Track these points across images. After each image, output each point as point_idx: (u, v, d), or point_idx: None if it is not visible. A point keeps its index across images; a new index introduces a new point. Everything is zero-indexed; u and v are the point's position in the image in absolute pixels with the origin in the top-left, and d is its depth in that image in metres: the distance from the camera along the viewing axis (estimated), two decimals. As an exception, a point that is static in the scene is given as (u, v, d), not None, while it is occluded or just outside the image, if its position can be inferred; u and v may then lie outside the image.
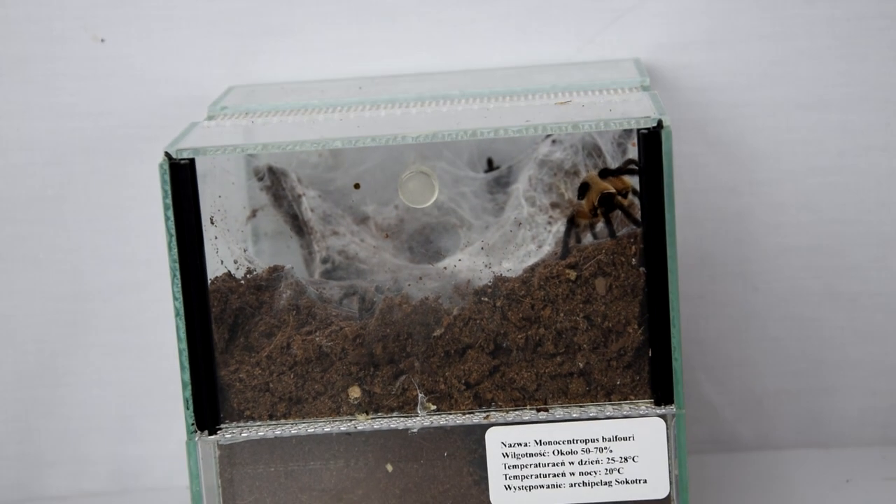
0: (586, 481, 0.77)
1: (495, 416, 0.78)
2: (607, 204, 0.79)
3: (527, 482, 0.78)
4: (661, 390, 0.77)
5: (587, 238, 0.81)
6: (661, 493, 0.77)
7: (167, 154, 0.76)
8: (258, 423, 0.79)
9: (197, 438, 0.78)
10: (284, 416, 0.79)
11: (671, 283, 0.76)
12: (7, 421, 0.97)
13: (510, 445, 0.78)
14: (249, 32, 0.92)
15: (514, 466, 0.78)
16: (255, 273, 0.81)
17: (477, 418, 0.78)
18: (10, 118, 0.93)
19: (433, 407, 0.79)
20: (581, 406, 0.78)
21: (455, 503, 0.78)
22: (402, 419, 0.78)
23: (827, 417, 0.96)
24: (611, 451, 0.77)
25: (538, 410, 0.78)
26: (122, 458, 0.97)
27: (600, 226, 0.81)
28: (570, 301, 0.78)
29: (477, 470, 0.79)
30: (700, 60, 0.92)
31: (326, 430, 0.78)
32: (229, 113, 0.85)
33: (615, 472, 0.77)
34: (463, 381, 0.79)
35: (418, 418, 0.78)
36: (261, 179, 0.87)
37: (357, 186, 0.86)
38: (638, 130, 0.75)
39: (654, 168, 0.75)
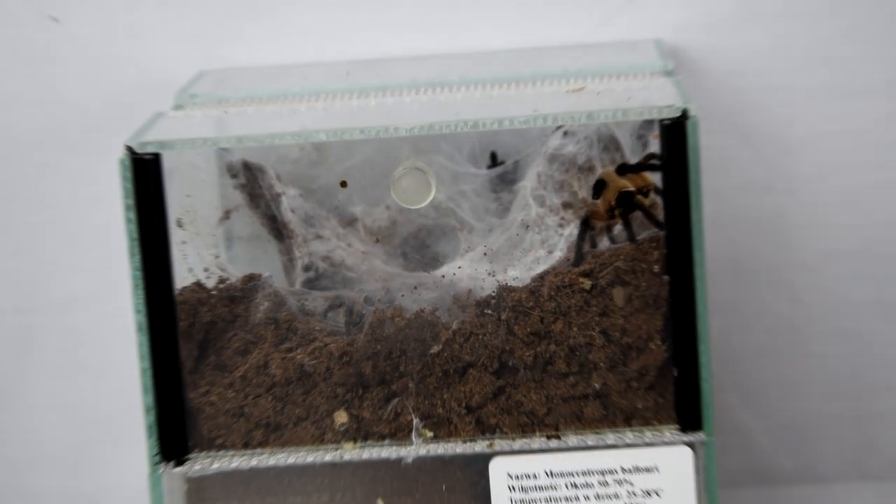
0: (603, 517, 0.79)
1: (500, 443, 0.80)
2: (626, 204, 0.81)
3: (536, 518, 0.80)
4: (687, 415, 0.79)
5: (603, 242, 0.82)
6: (688, 530, 0.79)
7: (129, 148, 0.78)
8: (231, 453, 0.81)
9: (161, 470, 0.80)
10: (261, 445, 0.81)
11: (699, 292, 0.78)
12: (-56, 451, 0.98)
13: (517, 477, 0.80)
14: (222, 11, 0.94)
15: (522, 501, 0.79)
16: (228, 282, 0.83)
17: (479, 446, 0.80)
18: (-50, 107, 0.95)
19: (430, 434, 0.80)
20: (597, 433, 0.80)
21: (455, 542, 0.80)
22: (394, 448, 0.80)
23: (878, 446, 0.98)
24: (631, 485, 0.79)
25: (549, 438, 0.80)
26: (77, 492, 0.99)
27: (618, 228, 0.82)
28: (585, 314, 0.80)
29: (479, 504, 0.80)
30: (730, 41, 0.93)
31: (309, 460, 0.80)
32: (199, 101, 0.87)
33: (635, 507, 0.79)
34: (463, 405, 0.81)
35: (413, 447, 0.80)
36: (234, 177, 0.88)
37: (344, 184, 0.87)
38: (660, 121, 0.77)
39: (679, 163, 0.77)
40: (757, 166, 0.95)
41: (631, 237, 0.80)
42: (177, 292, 0.80)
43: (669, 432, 0.79)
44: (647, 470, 0.79)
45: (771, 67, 0.93)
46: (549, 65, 0.88)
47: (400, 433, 0.81)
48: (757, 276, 0.96)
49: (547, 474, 0.79)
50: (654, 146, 0.84)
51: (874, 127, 0.94)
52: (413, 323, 0.80)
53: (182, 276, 0.81)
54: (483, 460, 0.80)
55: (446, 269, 0.84)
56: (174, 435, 0.80)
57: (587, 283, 0.80)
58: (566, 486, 0.79)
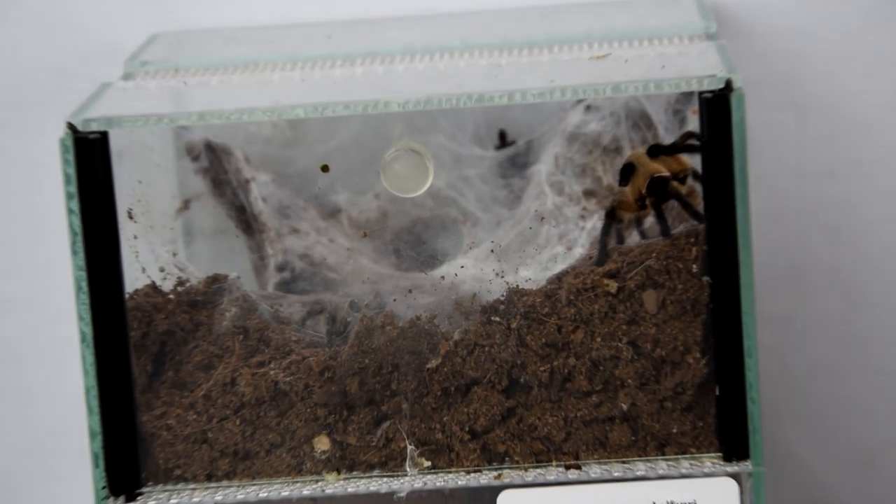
0: (632, 562, 0.81)
1: (510, 475, 0.81)
2: (659, 191, 0.81)
3: (552, 564, 0.81)
4: (732, 441, 0.80)
5: (632, 237, 0.83)
6: (732, 577, 0.80)
7: (71, 126, 0.78)
8: (192, 486, 0.82)
9: (110, 507, 0.81)
10: (228, 477, 0.82)
11: (745, 296, 0.78)
12: None
13: (530, 515, 0.81)
14: (180, -38, 0.95)
15: (536, 543, 0.81)
16: (188, 285, 0.84)
17: (486, 478, 0.81)
18: None
19: (427, 463, 0.82)
20: (625, 462, 0.81)
21: (456, 592, 0.81)
22: (385, 480, 0.81)
23: (961, 480, 0.99)
24: (666, 524, 0.80)
25: (567, 468, 0.81)
26: (8, 534, 1.00)
27: (650, 221, 0.83)
28: (610, 321, 0.81)
29: (486, 548, 0.82)
30: (784, -2, 0.94)
31: (284, 494, 0.81)
32: (153, 70, 0.88)
33: (670, 550, 0.81)
34: (467, 429, 0.82)
35: (407, 478, 0.81)
36: (195, 159, 0.89)
37: (325, 169, 0.87)
38: (700, 93, 0.77)
39: (722, 143, 0.77)
40: (816, 147, 0.96)
41: (665, 231, 0.81)
42: (127, 296, 0.81)
43: (710, 462, 0.80)
44: (685, 506, 0.80)
45: (834, 29, 0.94)
46: (569, 26, 0.89)
47: (392, 462, 0.82)
48: (816, 278, 0.97)
49: (565, 512, 0.81)
50: (693, 123, 0.85)
51: (956, 100, 0.95)
52: (407, 332, 0.81)
53: (134, 278, 0.82)
54: (490, 494, 0.81)
55: (446, 269, 0.85)
56: (124, 465, 0.81)
57: (613, 286, 0.81)
58: (589, 526, 0.81)
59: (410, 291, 0.83)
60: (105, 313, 0.79)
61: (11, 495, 0.99)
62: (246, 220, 0.89)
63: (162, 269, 0.84)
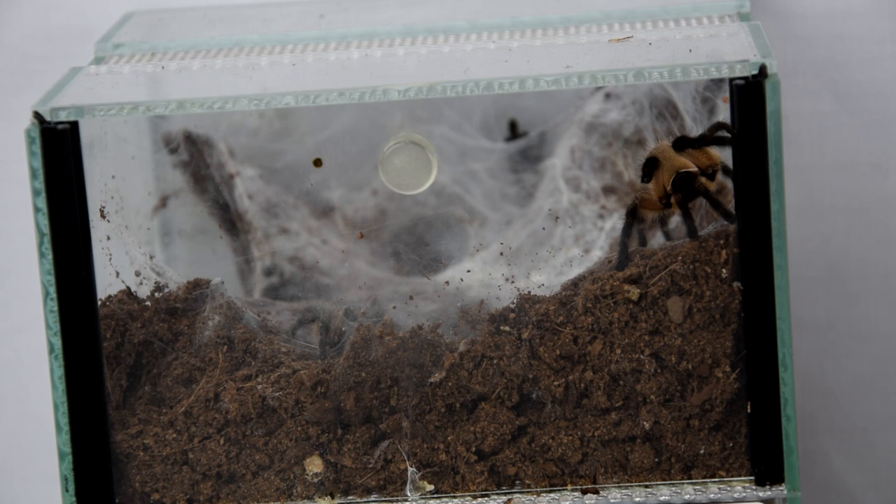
0: None
1: (521, 500, 0.82)
2: (686, 188, 0.82)
3: None
4: (765, 463, 0.81)
5: (656, 239, 0.84)
6: None
7: (37, 115, 0.79)
8: (171, 512, 0.83)
9: (81, 534, 0.82)
10: (210, 502, 0.83)
11: (780, 304, 0.79)
12: None
13: (543, 544, 0.82)
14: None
15: (550, 575, 0.82)
16: (166, 290, 0.85)
17: (495, 503, 0.83)
18: None
19: (430, 487, 0.83)
20: (647, 486, 0.82)
21: None
22: (383, 505, 0.83)
23: None
24: (693, 554, 0.81)
25: (584, 492, 0.82)
26: (-32, 564, 1.01)
27: (675, 220, 0.84)
28: (631, 331, 0.82)
29: (494, 580, 0.83)
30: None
31: None
32: (127, 53, 0.89)
33: (697, 583, 0.81)
34: (473, 449, 0.83)
35: (408, 503, 0.83)
36: (174, 152, 0.90)
37: (317, 163, 0.88)
38: (731, 80, 0.78)
39: (755, 135, 0.78)
40: (861, 138, 0.96)
41: (692, 232, 0.82)
42: (100, 303, 0.82)
43: (741, 486, 0.81)
44: (714, 535, 0.81)
45: (878, 8, 0.95)
46: (587, 5, 0.90)
47: (391, 486, 0.82)
48: (859, 281, 0.98)
49: (582, 541, 0.81)
50: (724, 113, 0.86)
51: None
52: (408, 343, 0.82)
53: (107, 283, 0.83)
54: (499, 522, 0.82)
55: (451, 274, 0.86)
56: (97, 488, 0.82)
57: (634, 293, 0.81)
58: (608, 556, 0.81)
59: (411, 298, 0.84)
60: (75, 322, 0.80)
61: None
62: (230, 220, 0.90)
63: (138, 274, 0.85)
